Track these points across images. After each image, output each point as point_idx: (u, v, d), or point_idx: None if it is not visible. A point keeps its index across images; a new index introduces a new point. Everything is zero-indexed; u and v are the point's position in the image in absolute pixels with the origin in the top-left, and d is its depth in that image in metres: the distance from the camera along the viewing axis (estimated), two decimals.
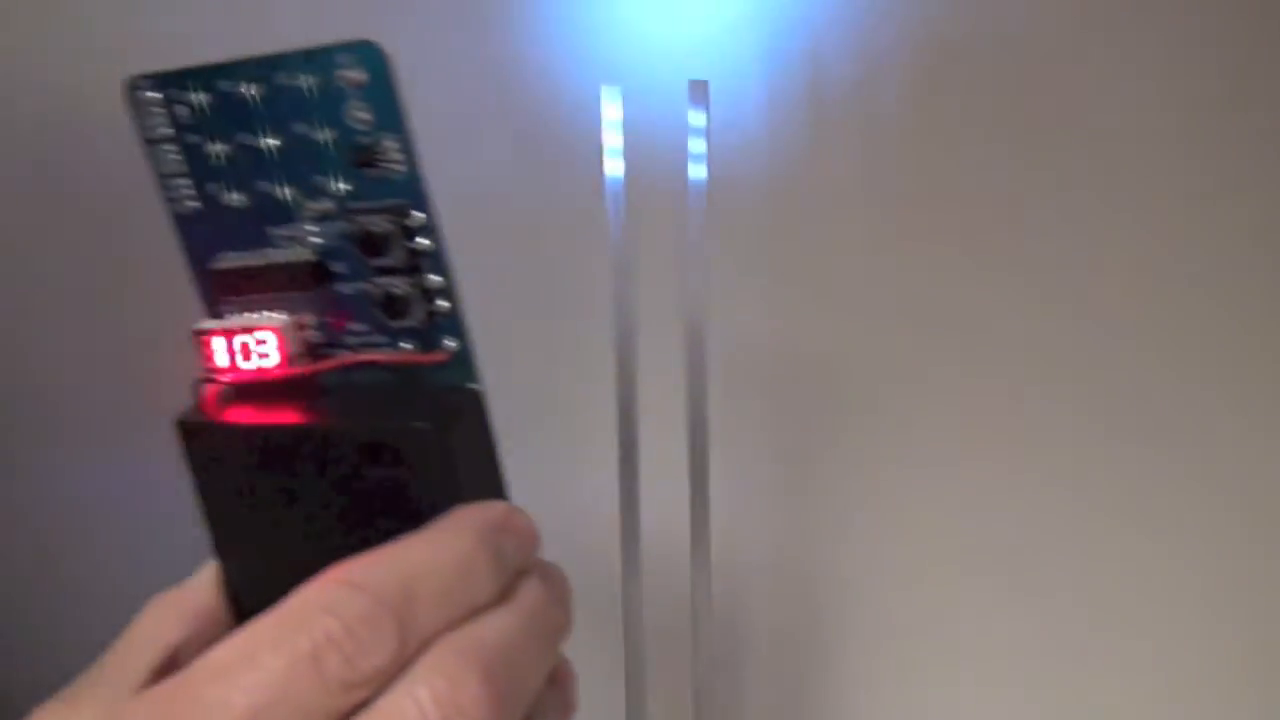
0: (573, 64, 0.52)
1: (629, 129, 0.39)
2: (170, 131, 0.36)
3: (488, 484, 0.36)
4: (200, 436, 0.36)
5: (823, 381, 0.56)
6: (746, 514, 0.57)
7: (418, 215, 0.34)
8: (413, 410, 0.34)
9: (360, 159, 0.34)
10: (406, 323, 0.35)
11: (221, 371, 0.37)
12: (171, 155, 0.36)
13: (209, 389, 0.37)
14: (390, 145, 0.34)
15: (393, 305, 0.35)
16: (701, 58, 0.52)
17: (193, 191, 0.37)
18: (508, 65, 0.52)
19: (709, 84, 0.37)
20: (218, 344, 0.37)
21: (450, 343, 0.36)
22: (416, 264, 0.35)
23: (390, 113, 0.33)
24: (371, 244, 0.34)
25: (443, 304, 0.35)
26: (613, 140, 0.39)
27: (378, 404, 0.35)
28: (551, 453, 0.42)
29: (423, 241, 0.35)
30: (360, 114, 0.34)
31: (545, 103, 0.51)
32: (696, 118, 0.38)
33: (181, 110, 0.36)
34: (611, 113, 0.38)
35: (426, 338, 0.36)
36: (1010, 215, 0.52)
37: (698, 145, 0.38)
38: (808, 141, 0.52)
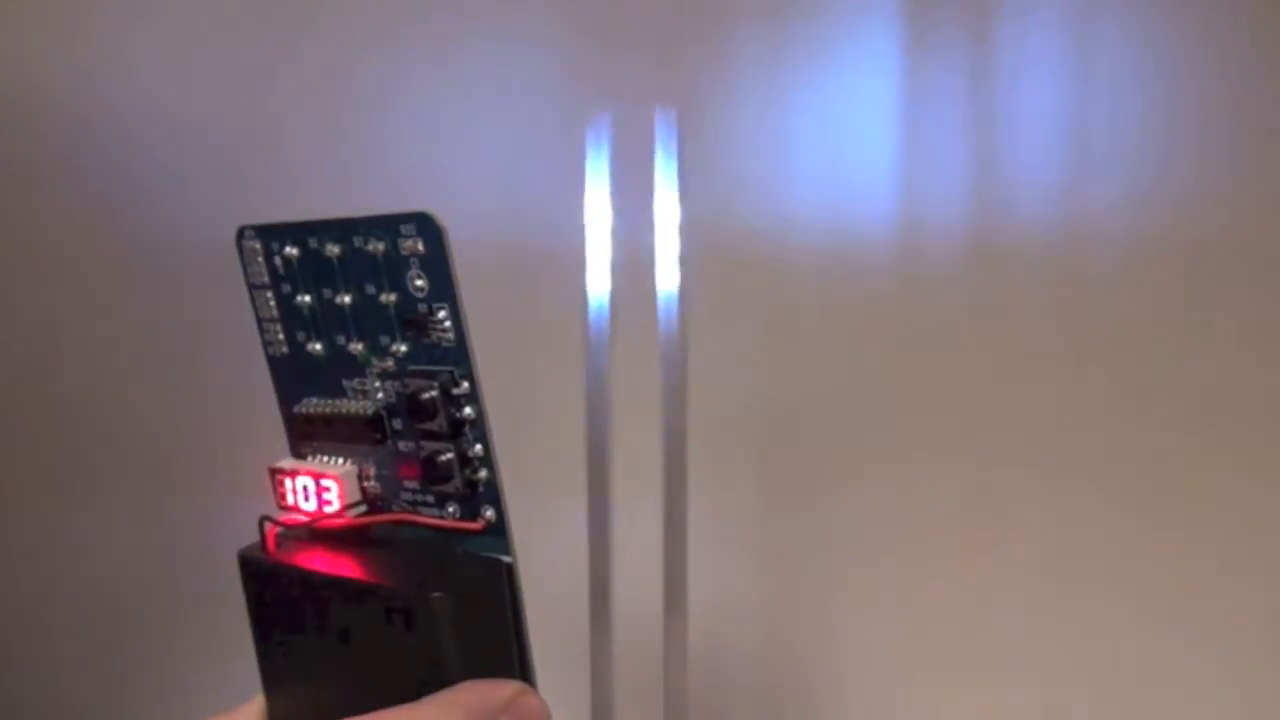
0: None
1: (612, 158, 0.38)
2: (267, 279, 0.38)
3: (504, 659, 0.35)
4: (256, 572, 0.38)
5: (807, 439, 0.51)
6: (724, 576, 0.53)
7: (463, 384, 0.35)
8: (433, 578, 0.34)
9: (413, 323, 0.35)
10: (447, 488, 0.36)
11: (288, 510, 0.38)
12: (269, 301, 0.39)
13: (271, 527, 0.38)
14: (441, 314, 0.34)
15: (434, 470, 0.35)
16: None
17: (283, 337, 0.39)
18: None
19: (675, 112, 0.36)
20: (289, 484, 0.38)
21: (489, 512, 0.36)
22: (459, 432, 0.35)
23: (442, 282, 0.34)
24: (418, 408, 0.35)
25: (483, 474, 0.35)
26: (596, 186, 0.38)
27: (407, 566, 0.36)
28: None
29: (466, 411, 0.35)
30: (418, 281, 0.34)
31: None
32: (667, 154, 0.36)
33: (277, 261, 0.38)
34: (594, 150, 0.37)
35: (468, 504, 0.36)
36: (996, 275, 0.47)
37: (669, 189, 0.37)
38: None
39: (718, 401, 0.50)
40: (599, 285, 0.39)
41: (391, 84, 0.54)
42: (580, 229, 0.38)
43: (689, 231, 0.38)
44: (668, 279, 0.38)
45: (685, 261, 0.39)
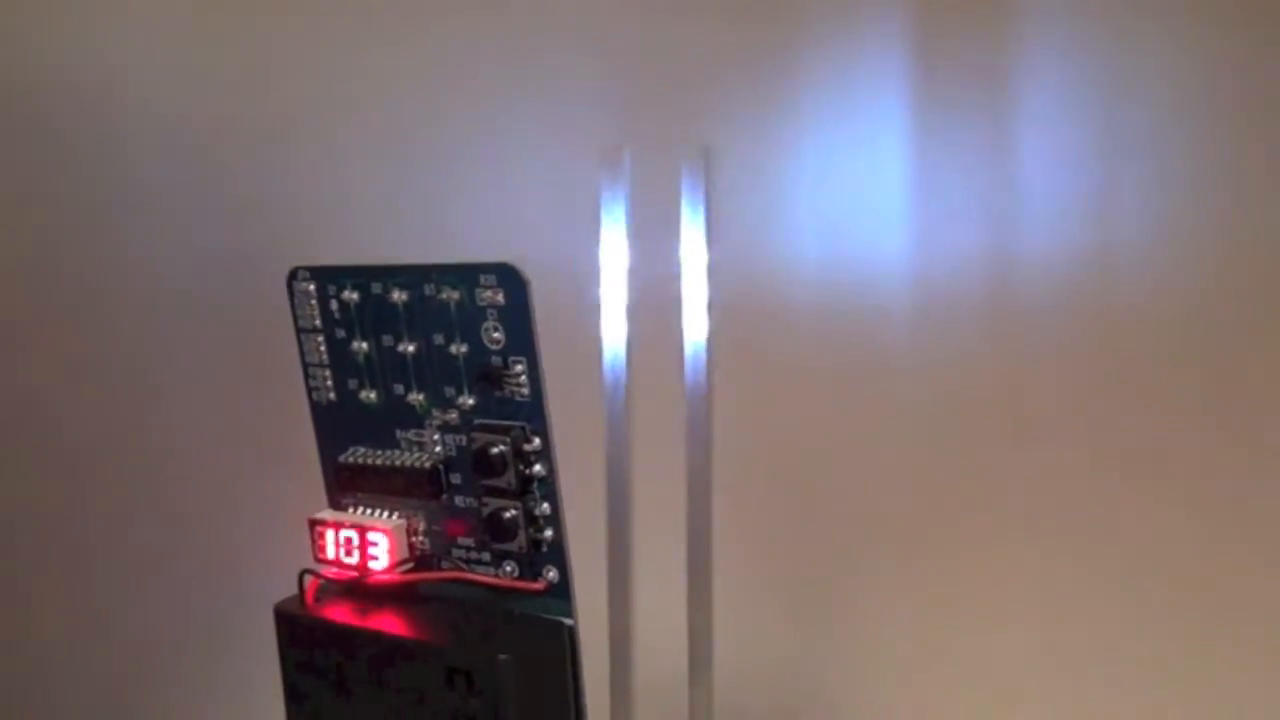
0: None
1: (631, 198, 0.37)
2: (319, 323, 0.37)
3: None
4: (295, 626, 0.36)
5: (838, 496, 0.51)
6: (752, 636, 0.53)
7: (535, 441, 0.34)
8: (497, 640, 0.33)
9: (487, 376, 0.34)
10: (510, 546, 0.35)
11: (328, 564, 0.37)
12: (319, 345, 0.37)
13: (312, 580, 0.36)
14: (518, 368, 0.33)
15: (499, 527, 0.34)
16: None
17: (331, 383, 0.37)
18: None
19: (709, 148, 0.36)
20: (330, 536, 0.37)
21: (551, 573, 0.35)
22: (528, 489, 0.34)
23: (522, 336, 0.33)
24: (486, 463, 0.34)
25: (548, 533, 0.34)
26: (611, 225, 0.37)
27: (466, 626, 0.34)
28: None
29: (537, 469, 0.34)
30: (495, 334, 0.34)
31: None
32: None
33: (333, 304, 0.36)
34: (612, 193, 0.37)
35: (529, 563, 0.35)
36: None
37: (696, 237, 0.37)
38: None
39: (745, 456, 0.49)
40: (615, 331, 0.39)
41: (411, 118, 0.53)
42: (599, 272, 0.37)
43: (712, 276, 0.38)
44: (694, 325, 0.38)
45: (713, 307, 0.39)
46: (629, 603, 0.42)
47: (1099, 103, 0.46)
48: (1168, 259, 0.46)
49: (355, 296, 0.36)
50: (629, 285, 0.39)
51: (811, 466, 0.52)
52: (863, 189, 0.49)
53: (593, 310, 0.39)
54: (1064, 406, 0.48)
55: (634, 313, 0.39)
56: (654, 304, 0.40)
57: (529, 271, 0.33)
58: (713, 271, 0.39)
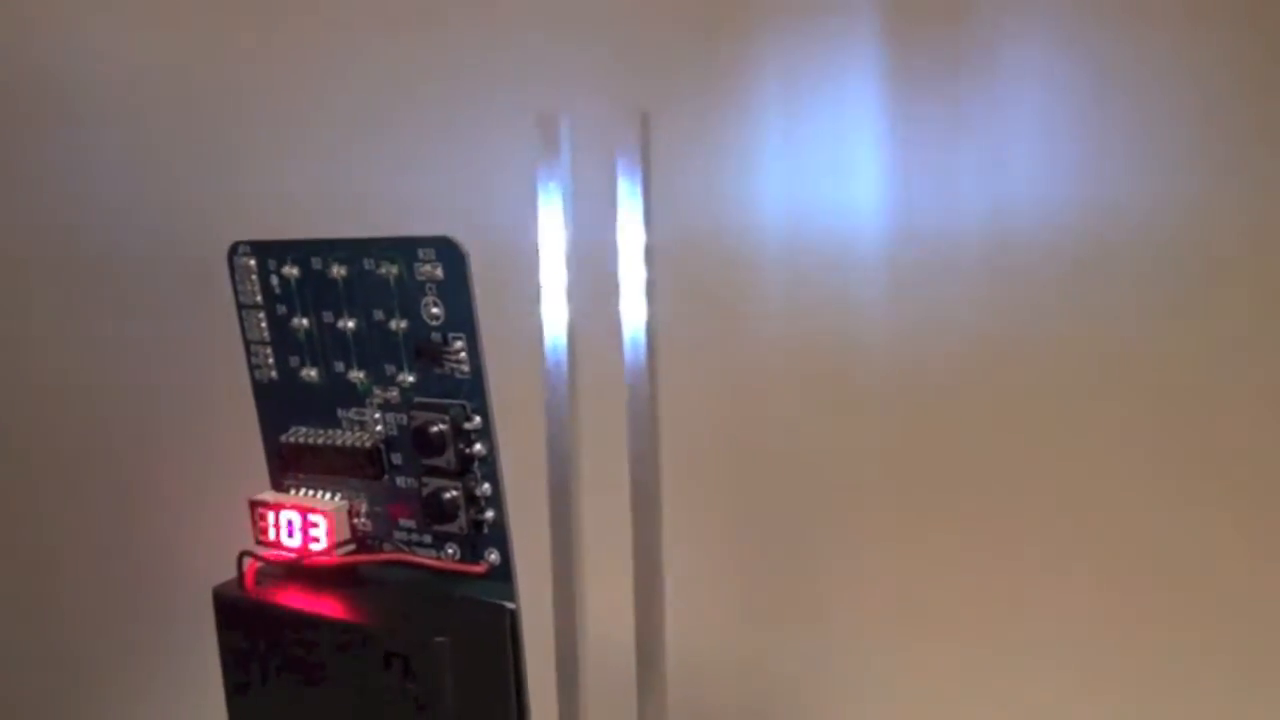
0: None
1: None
2: (260, 299, 0.36)
3: (503, 709, 0.34)
4: (233, 609, 0.35)
5: (789, 482, 0.50)
6: (703, 631, 0.52)
7: (476, 419, 0.33)
8: (435, 624, 0.32)
9: (426, 353, 0.33)
10: (450, 528, 0.34)
11: (269, 546, 0.36)
12: (259, 322, 0.36)
13: (251, 562, 0.36)
14: (457, 344, 0.33)
15: (439, 508, 0.34)
16: None
17: (273, 361, 0.37)
18: None
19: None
20: (270, 518, 0.36)
21: (493, 555, 0.34)
22: (468, 469, 0.33)
23: (462, 311, 0.32)
24: (426, 442, 0.33)
25: (489, 514, 0.34)
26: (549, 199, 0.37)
27: (404, 609, 0.34)
28: None
29: (478, 448, 0.33)
30: (434, 309, 0.33)
31: None
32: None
33: (274, 280, 0.36)
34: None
35: (471, 545, 0.34)
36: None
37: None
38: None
39: (690, 441, 0.48)
40: (555, 309, 0.38)
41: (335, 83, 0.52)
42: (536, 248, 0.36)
43: (652, 255, 0.37)
44: (632, 307, 0.37)
45: (654, 287, 0.37)
46: (575, 590, 0.41)
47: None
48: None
49: (296, 272, 0.35)
50: (571, 263, 0.38)
51: (773, 453, 0.51)
52: (826, 153, 0.47)
53: (536, 287, 0.38)
54: (1051, 400, 0.47)
55: (574, 291, 0.38)
56: (598, 283, 0.38)
57: (469, 246, 0.32)
58: (653, 251, 0.38)
